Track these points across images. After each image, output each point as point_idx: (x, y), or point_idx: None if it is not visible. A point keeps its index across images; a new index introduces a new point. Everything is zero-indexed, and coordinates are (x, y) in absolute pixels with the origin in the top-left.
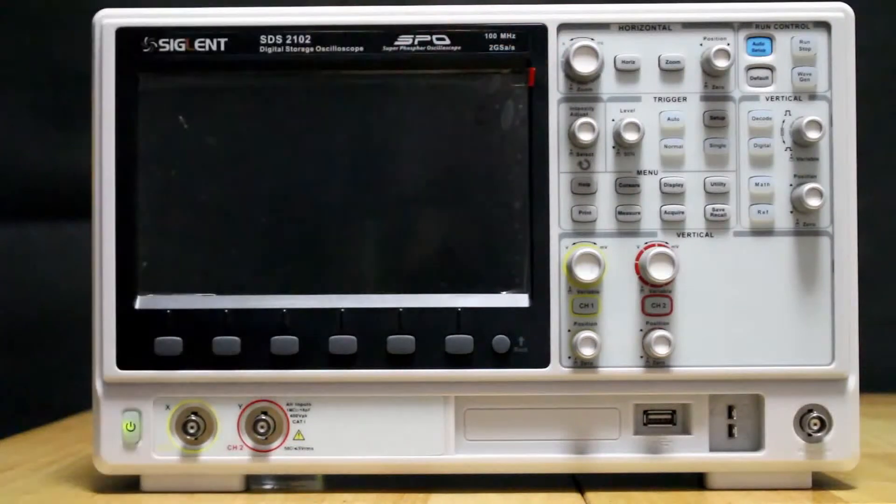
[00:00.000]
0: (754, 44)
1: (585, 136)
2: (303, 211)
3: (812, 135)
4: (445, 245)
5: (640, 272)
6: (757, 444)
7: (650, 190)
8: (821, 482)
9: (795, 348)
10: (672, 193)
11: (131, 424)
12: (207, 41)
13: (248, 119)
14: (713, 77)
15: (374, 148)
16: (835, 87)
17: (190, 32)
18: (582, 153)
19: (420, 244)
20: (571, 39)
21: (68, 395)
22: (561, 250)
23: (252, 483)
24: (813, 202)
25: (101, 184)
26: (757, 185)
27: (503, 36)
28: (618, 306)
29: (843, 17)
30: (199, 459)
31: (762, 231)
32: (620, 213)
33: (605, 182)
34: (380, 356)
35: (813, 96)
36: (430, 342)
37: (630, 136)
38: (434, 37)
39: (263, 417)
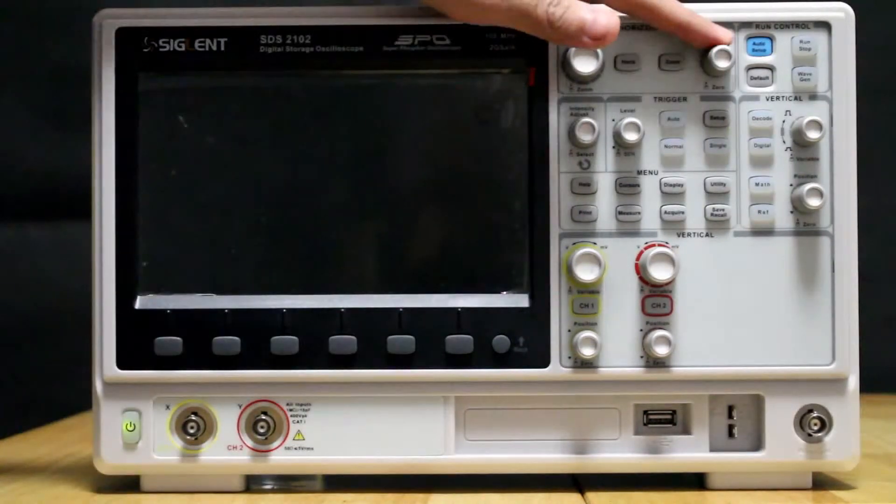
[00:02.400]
0: (754, 44)
1: (585, 136)
2: (303, 211)
3: (812, 135)
4: (445, 245)
5: (640, 272)
6: (757, 444)
7: (650, 190)
8: (821, 482)
9: (795, 348)
10: (672, 193)
11: (131, 424)
12: (207, 41)
13: (248, 119)
14: (713, 77)
15: (374, 148)
16: (835, 87)
17: (190, 32)
18: (582, 153)
19: (420, 244)
20: None
21: (68, 395)
22: (561, 250)
23: (252, 483)
24: (813, 202)
25: (101, 184)
26: (757, 185)
27: (503, 36)
28: (618, 306)
29: (844, 17)
30: (199, 459)
31: (762, 231)
32: (620, 213)
33: (605, 182)
34: (380, 356)
35: (813, 96)
36: (430, 342)
37: (630, 136)
38: (434, 37)
39: (263, 417)
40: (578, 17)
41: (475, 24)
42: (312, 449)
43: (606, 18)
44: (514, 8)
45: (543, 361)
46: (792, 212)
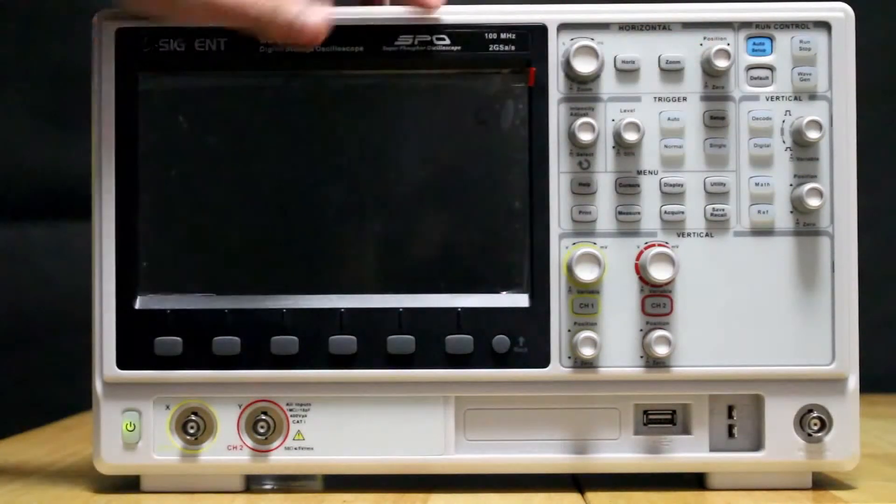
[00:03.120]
0: (754, 44)
1: (585, 136)
2: (303, 211)
3: (812, 135)
4: (445, 245)
5: (640, 272)
6: (757, 444)
7: (650, 190)
8: (821, 482)
9: (795, 348)
10: (672, 193)
11: (131, 424)
12: (207, 41)
13: (248, 119)
14: (713, 77)
15: (375, 148)
16: (835, 87)
17: (190, 32)
18: (582, 153)
19: (420, 244)
20: (571, 39)
21: (68, 395)
22: (561, 250)
23: (252, 483)
24: (813, 202)
25: (101, 184)
26: (757, 185)
27: (503, 36)
28: (618, 306)
29: (843, 17)
30: (199, 459)
31: (762, 231)
32: (620, 213)
33: (605, 182)
34: (380, 356)
35: (813, 96)
36: (430, 342)
37: (630, 136)
38: (434, 37)
39: (263, 417)
40: (289, 17)
41: (183, 24)
42: (312, 449)
43: (315, 19)
44: (217, 8)
45: (543, 361)
46: (792, 212)
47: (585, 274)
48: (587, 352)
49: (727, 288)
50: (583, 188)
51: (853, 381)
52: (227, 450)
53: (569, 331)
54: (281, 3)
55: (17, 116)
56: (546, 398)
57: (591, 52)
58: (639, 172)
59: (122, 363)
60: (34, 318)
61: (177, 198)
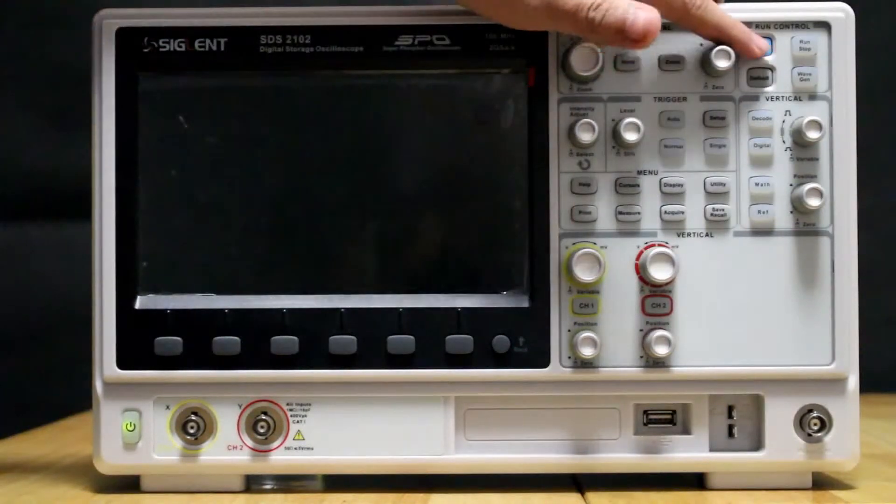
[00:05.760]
0: None
1: (585, 136)
2: (303, 211)
3: (812, 135)
4: (445, 245)
5: (640, 272)
6: (757, 444)
7: (650, 190)
8: (821, 482)
9: (795, 348)
10: (672, 193)
11: (131, 424)
12: (207, 41)
13: (248, 119)
14: (713, 77)
15: (374, 148)
16: (835, 87)
17: (190, 32)
18: (582, 153)
19: (420, 244)
20: (571, 39)
21: (68, 395)
22: (561, 250)
23: (252, 483)
24: (813, 202)
25: (101, 184)
26: (757, 185)
27: (503, 36)
28: (618, 306)
29: (843, 17)
30: (199, 459)
31: (762, 231)
32: (620, 213)
33: (605, 182)
34: (380, 356)
35: (813, 96)
36: (430, 342)
37: (630, 136)
38: (434, 37)
39: (263, 417)
40: (618, 18)
41: (520, 28)
42: (312, 449)
43: (645, 17)
44: (556, 13)
45: (543, 361)
46: (792, 212)
47: (585, 274)
48: (587, 352)
49: (727, 288)
50: (583, 188)
51: (853, 381)
52: (227, 450)
53: (569, 331)
54: (609, 1)
55: (17, 116)
56: (546, 398)
57: (592, 52)
58: (639, 172)
59: (123, 363)
60: (34, 318)
61: (177, 198)
